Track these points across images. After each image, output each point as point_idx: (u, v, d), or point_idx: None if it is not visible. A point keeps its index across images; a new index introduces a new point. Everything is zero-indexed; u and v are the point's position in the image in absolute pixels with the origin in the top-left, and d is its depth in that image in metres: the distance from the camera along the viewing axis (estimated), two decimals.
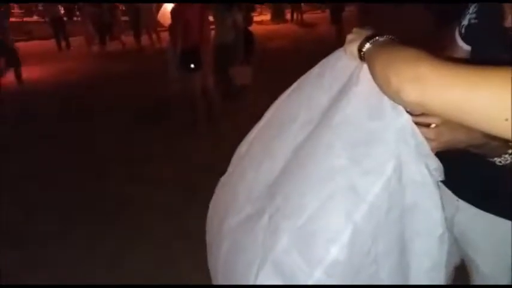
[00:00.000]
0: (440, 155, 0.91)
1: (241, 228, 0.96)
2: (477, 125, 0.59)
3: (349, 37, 0.88)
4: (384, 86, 0.72)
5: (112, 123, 5.38)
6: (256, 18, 16.28)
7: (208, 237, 1.14)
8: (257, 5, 17.75)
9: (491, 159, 0.91)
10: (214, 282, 1.09)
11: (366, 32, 0.83)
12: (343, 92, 0.86)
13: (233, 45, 5.17)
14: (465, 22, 1.12)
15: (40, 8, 16.57)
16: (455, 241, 1.30)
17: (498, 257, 1.19)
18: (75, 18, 14.35)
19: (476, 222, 1.19)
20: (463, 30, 1.14)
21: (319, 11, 17.26)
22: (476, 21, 1.09)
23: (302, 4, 16.57)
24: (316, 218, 0.80)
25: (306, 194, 0.83)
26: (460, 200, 1.22)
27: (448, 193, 1.25)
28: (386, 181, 0.79)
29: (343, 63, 0.90)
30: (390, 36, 0.80)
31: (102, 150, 4.54)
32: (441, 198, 1.15)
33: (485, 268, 1.23)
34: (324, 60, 0.97)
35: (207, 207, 1.19)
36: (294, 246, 0.81)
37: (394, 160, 0.79)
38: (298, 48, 9.02)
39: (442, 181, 1.27)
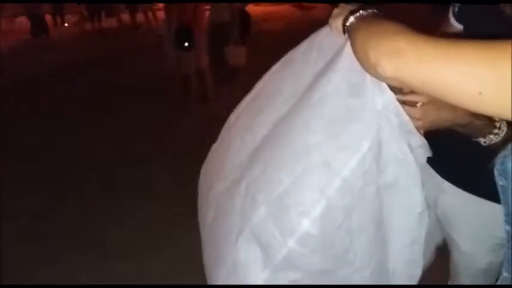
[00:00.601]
0: (427, 136, 0.92)
1: (224, 195, 1.01)
2: (452, 99, 0.59)
3: (334, 12, 0.87)
4: (362, 60, 0.72)
5: (102, 102, 5.31)
6: None
7: (199, 203, 1.19)
8: None
9: (476, 140, 0.91)
10: (202, 246, 1.13)
11: (351, 7, 0.82)
12: (327, 68, 0.87)
13: (228, 25, 5.09)
14: (458, 3, 1.12)
15: None
16: (437, 221, 1.31)
17: (478, 237, 1.21)
18: None
19: (459, 203, 1.21)
20: (456, 9, 1.14)
21: None
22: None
23: None
24: (291, 191, 0.84)
25: (282, 167, 0.86)
26: (444, 181, 1.23)
27: (434, 174, 1.26)
28: (362, 158, 0.80)
29: (331, 40, 0.90)
30: (374, 10, 0.79)
31: (90, 128, 4.52)
32: (421, 176, 1.17)
33: (465, 247, 1.25)
34: (314, 35, 0.97)
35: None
36: (270, 216, 0.85)
37: (370, 138, 0.80)
38: (294, 29, 8.92)
39: (428, 162, 1.30)
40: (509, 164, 0.63)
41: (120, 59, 7.56)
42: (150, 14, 11.30)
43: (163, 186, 3.29)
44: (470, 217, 1.21)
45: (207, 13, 5.12)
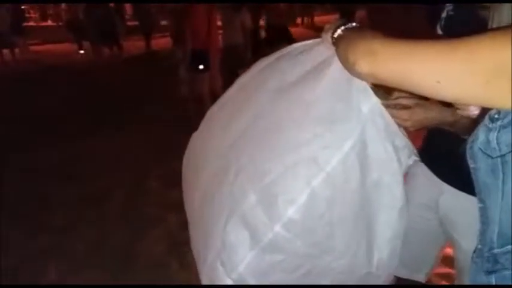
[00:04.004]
0: (426, 141, 0.98)
1: (210, 181, 1.09)
2: (418, 88, 0.69)
3: (326, 26, 0.98)
4: (343, 62, 0.84)
5: (118, 128, 5.48)
6: None
7: (184, 189, 1.28)
8: None
9: (464, 137, 0.98)
10: (190, 230, 1.21)
11: (339, 22, 0.93)
12: (315, 72, 0.96)
13: (241, 47, 5.24)
14: (444, 14, 1.20)
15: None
16: (440, 224, 1.36)
17: (475, 234, 1.24)
18: None
19: (459, 203, 1.25)
20: (443, 22, 1.21)
21: (331, 14, 17.18)
22: (452, 12, 1.17)
23: (314, 7, 16.70)
24: (279, 181, 0.93)
25: (271, 159, 0.95)
26: (443, 182, 1.28)
27: (434, 177, 1.31)
28: (344, 156, 0.90)
29: (321, 48, 0.99)
30: (358, 24, 0.90)
31: (111, 146, 4.67)
32: (421, 178, 1.23)
33: (467, 246, 1.28)
34: (304, 42, 1.07)
35: None
36: (259, 203, 0.94)
37: (353, 139, 0.90)
38: None
39: (426, 164, 1.35)
40: (476, 147, 0.71)
41: (135, 82, 7.80)
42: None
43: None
44: (470, 216, 1.24)
45: (220, 36, 5.28)
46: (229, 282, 0.99)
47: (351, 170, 0.91)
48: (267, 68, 1.12)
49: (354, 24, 0.89)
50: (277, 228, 0.92)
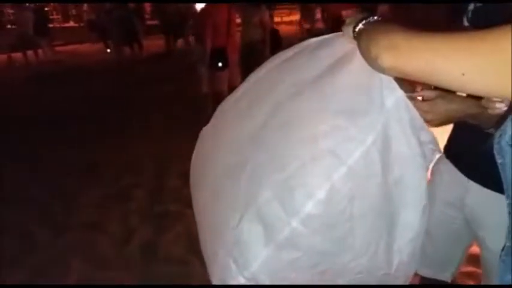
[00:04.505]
0: (451, 137, 0.95)
1: (223, 177, 1.04)
2: (441, 81, 0.68)
3: (347, 20, 0.96)
4: (365, 56, 0.82)
5: (141, 127, 5.55)
6: (285, 19, 16.32)
7: (192, 187, 1.24)
8: (287, 6, 17.75)
9: (488, 131, 0.95)
10: (198, 228, 1.16)
11: (360, 16, 0.91)
12: (336, 66, 0.94)
13: (260, 44, 5.24)
14: (471, 7, 1.17)
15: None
16: (465, 222, 1.33)
17: (502, 233, 1.21)
18: None
19: (485, 200, 1.22)
20: (469, 15, 1.18)
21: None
22: (480, 4, 1.13)
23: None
24: (298, 174, 0.89)
25: (290, 153, 0.92)
26: (469, 179, 1.25)
27: (458, 173, 1.28)
28: (366, 150, 0.86)
29: (340, 43, 0.97)
30: (379, 18, 0.88)
31: (135, 143, 4.73)
32: (447, 176, 1.20)
33: (493, 245, 1.25)
34: (325, 37, 1.05)
35: None
36: (275, 197, 0.90)
37: (375, 132, 0.87)
38: None
39: (451, 161, 1.32)
40: (504, 142, 0.68)
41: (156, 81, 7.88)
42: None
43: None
44: (497, 214, 1.21)
45: (239, 33, 5.29)
46: (242, 281, 0.95)
47: (373, 165, 0.88)
48: (284, 63, 1.09)
49: (376, 18, 0.88)
50: (295, 223, 0.88)
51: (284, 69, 1.07)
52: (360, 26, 0.88)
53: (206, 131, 1.27)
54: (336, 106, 0.90)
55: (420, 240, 0.98)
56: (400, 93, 0.86)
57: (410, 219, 0.95)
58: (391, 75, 0.84)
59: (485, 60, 0.59)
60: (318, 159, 0.88)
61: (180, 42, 11.81)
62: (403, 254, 0.97)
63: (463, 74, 0.61)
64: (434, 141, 0.93)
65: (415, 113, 0.88)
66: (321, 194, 0.86)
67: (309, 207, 0.86)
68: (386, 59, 0.74)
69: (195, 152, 1.28)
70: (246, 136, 1.03)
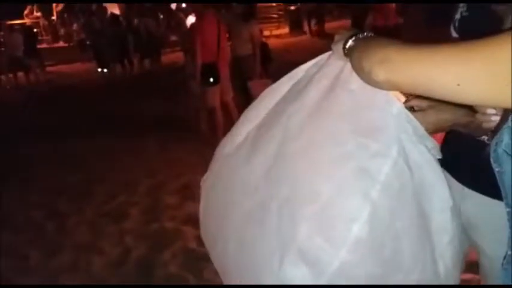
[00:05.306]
0: (443, 146, 0.96)
1: (246, 223, 0.97)
2: (436, 93, 0.68)
3: (336, 37, 0.96)
4: (358, 72, 0.82)
5: (134, 144, 5.53)
6: (274, 32, 16.39)
7: (207, 239, 1.15)
8: (275, 19, 17.90)
9: (480, 138, 0.96)
10: (227, 280, 1.09)
11: (350, 32, 0.91)
12: (335, 85, 0.92)
13: (250, 58, 5.25)
14: (458, 16, 1.18)
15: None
16: (463, 229, 1.32)
17: (503, 241, 1.21)
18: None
19: (481, 207, 1.22)
20: (456, 24, 1.19)
21: (342, 20, 16.67)
22: (467, 13, 1.15)
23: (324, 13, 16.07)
24: (333, 201, 0.84)
25: (318, 180, 0.87)
26: (464, 187, 1.25)
27: (454, 182, 1.29)
28: (393, 163, 0.84)
29: (333, 61, 0.96)
30: (370, 33, 0.88)
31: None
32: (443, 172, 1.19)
33: (491, 252, 1.25)
34: (315, 59, 1.04)
35: None
36: (315, 231, 0.84)
37: (397, 144, 0.85)
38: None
39: (446, 169, 1.33)
40: (500, 150, 0.69)
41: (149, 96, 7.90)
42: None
43: None
44: (493, 220, 1.21)
45: (229, 48, 5.30)
46: None
47: (403, 175, 0.85)
48: (281, 99, 1.06)
49: (365, 34, 0.88)
50: (343, 253, 0.81)
51: (284, 100, 1.05)
52: (350, 42, 0.88)
53: (209, 181, 1.19)
54: (352, 125, 0.87)
55: (458, 242, 0.96)
56: (399, 104, 0.86)
57: (442, 223, 0.93)
58: (385, 89, 0.83)
59: (481, 69, 0.60)
60: (350, 181, 0.84)
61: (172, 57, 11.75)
62: (445, 259, 0.94)
63: (458, 84, 0.62)
64: (437, 148, 0.93)
65: (416, 122, 0.88)
66: (364, 215, 0.81)
67: (355, 231, 0.81)
68: (380, 72, 0.74)
69: (201, 207, 1.19)
70: (259, 174, 0.97)
